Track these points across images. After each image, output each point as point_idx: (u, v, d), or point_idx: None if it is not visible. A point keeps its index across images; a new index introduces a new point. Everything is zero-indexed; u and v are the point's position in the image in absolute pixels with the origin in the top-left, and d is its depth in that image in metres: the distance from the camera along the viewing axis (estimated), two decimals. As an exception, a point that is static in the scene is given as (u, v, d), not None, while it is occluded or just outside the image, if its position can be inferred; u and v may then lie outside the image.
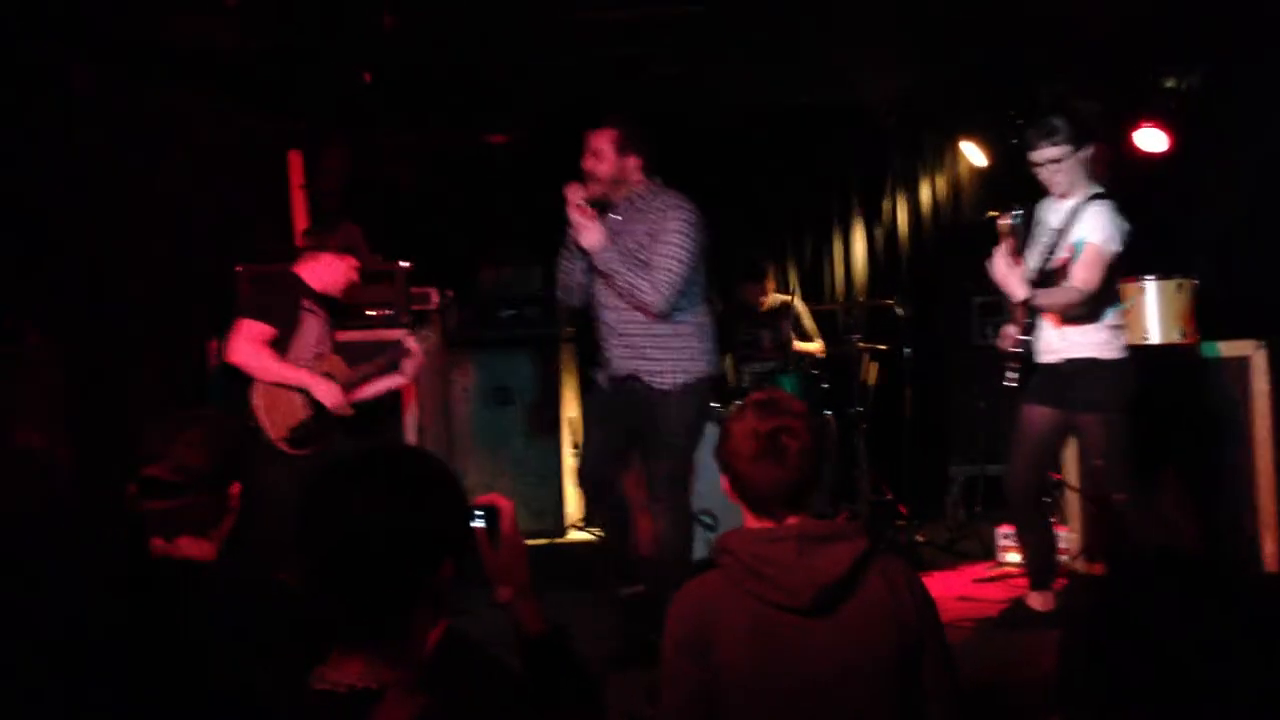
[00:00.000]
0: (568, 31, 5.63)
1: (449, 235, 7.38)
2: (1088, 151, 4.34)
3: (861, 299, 7.43)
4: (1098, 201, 4.31)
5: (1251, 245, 5.58)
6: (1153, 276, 5.16)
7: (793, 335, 6.71)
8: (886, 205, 7.88)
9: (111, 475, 2.37)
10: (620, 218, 4.45)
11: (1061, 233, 4.34)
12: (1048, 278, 4.37)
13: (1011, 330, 4.43)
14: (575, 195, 4.34)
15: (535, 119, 7.36)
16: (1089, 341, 4.32)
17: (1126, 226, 4.30)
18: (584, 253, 4.39)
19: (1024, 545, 4.66)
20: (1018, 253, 4.31)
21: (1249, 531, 4.90)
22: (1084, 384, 4.33)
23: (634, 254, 4.35)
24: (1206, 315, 5.18)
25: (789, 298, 6.98)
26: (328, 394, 4.50)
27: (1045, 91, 6.10)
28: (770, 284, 7.07)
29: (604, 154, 4.39)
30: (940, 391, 7.11)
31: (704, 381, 4.48)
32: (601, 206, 4.45)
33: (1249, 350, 4.98)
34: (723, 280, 7.58)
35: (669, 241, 4.30)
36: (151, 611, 2.20)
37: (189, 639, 2.15)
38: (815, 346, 6.83)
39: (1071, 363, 4.35)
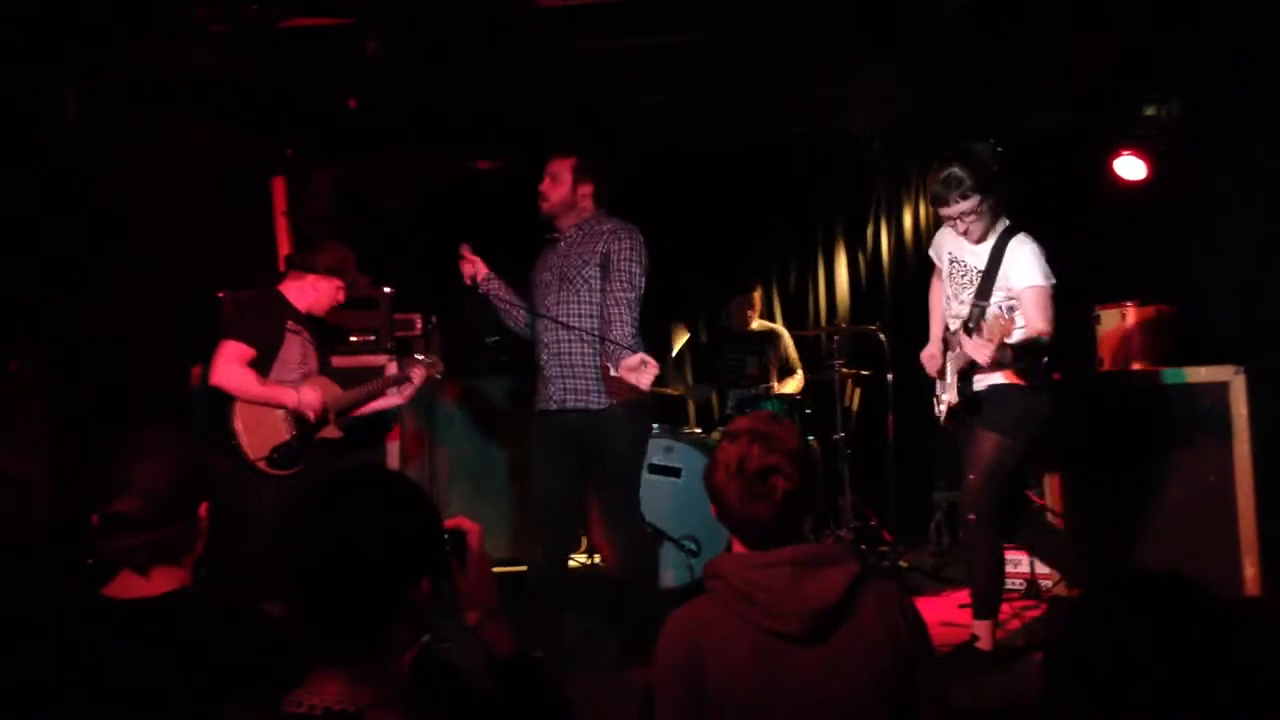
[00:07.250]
0: (559, 60, 5.65)
1: (433, 261, 7.37)
2: (996, 196, 4.19)
3: (845, 324, 7.45)
4: (1017, 237, 4.20)
5: (1230, 272, 5.62)
6: (1131, 303, 5.21)
7: (775, 365, 6.70)
8: (870, 231, 7.92)
9: (93, 502, 2.28)
10: (564, 244, 4.59)
11: (987, 274, 4.23)
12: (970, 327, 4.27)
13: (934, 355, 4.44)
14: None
15: (522, 146, 7.36)
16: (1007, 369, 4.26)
17: (1045, 254, 4.18)
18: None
19: (975, 571, 4.46)
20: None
21: (1229, 555, 4.92)
22: (991, 406, 4.31)
23: (577, 274, 4.46)
24: (1185, 341, 5.22)
25: (776, 325, 6.97)
26: (308, 400, 4.48)
27: (1026, 119, 6.15)
28: (757, 301, 7.05)
29: (561, 178, 4.54)
30: (923, 417, 7.09)
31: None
32: (549, 228, 4.61)
33: (1228, 375, 5.01)
34: (710, 306, 7.62)
35: (624, 269, 4.44)
36: (109, 655, 2.09)
37: (149, 677, 2.06)
38: (793, 387, 6.80)
39: (991, 387, 4.33)
